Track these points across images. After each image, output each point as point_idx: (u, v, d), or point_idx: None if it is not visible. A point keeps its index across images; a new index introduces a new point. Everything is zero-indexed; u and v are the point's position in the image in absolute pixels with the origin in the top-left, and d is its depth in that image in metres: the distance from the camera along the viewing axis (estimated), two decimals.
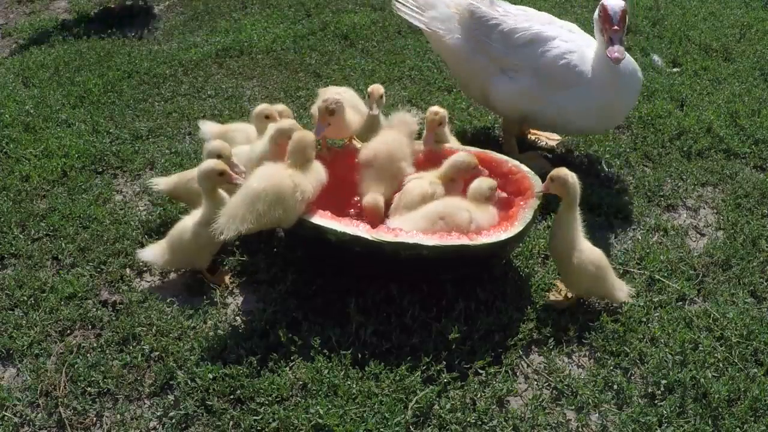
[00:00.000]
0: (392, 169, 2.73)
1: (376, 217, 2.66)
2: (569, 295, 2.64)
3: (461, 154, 2.78)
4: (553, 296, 2.67)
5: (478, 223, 2.53)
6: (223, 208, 2.46)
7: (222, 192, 2.67)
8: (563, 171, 2.55)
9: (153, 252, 2.70)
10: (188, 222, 2.70)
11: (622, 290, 2.58)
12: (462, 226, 2.50)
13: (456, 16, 3.26)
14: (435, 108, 2.93)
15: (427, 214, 2.55)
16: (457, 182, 2.73)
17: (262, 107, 2.98)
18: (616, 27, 2.95)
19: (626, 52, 2.95)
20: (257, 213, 2.39)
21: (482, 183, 2.64)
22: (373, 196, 2.68)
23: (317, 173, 2.62)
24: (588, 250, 2.54)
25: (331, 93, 2.90)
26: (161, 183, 3.00)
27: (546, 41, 3.13)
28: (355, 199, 2.83)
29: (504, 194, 2.78)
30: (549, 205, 2.92)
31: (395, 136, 2.82)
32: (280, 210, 2.43)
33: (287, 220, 2.48)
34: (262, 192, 2.42)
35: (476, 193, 2.62)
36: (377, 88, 2.94)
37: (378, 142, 2.80)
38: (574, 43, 3.14)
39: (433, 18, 3.31)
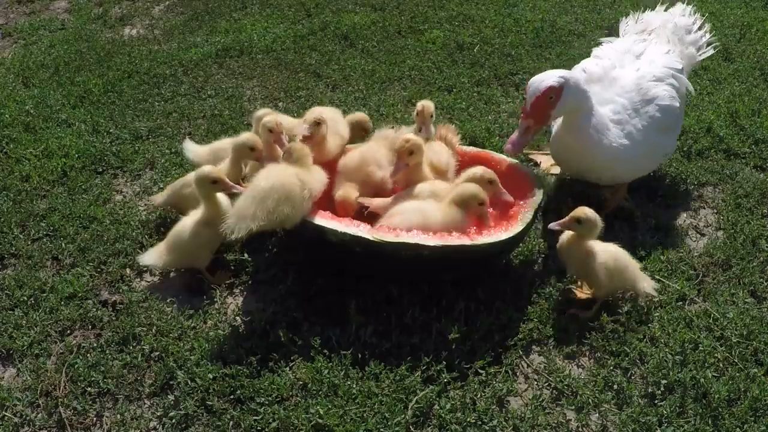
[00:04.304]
0: (361, 175, 2.75)
1: (349, 211, 2.66)
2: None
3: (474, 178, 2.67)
4: (579, 293, 2.66)
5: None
6: (232, 208, 2.46)
7: (220, 196, 2.68)
8: (590, 213, 2.50)
9: (152, 255, 2.70)
10: (188, 222, 2.70)
11: (645, 281, 2.58)
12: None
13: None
14: (407, 135, 2.77)
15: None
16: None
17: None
18: (523, 114, 2.69)
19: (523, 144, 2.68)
20: (267, 210, 2.39)
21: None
22: (345, 190, 2.69)
23: (319, 173, 2.65)
24: (602, 252, 2.53)
25: (316, 113, 2.93)
26: (157, 198, 3.03)
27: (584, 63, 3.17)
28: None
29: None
30: (549, 206, 2.93)
31: (372, 145, 2.87)
32: (288, 207, 2.44)
33: (294, 218, 2.48)
34: (270, 189, 2.43)
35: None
36: (427, 107, 2.96)
37: (354, 151, 2.86)
38: (589, 71, 3.07)
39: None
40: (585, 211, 2.51)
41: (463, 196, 2.56)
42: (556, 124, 2.99)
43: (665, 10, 3.41)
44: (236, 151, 2.87)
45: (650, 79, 2.94)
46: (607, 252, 2.54)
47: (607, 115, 2.87)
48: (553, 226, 2.56)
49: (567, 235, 2.59)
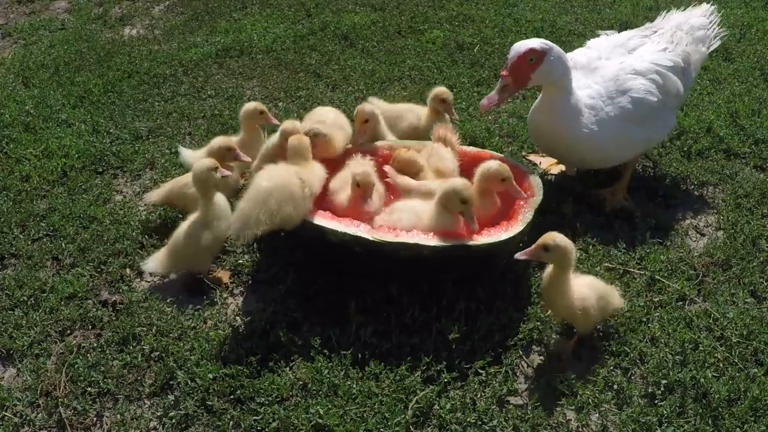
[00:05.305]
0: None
1: (369, 189, 2.62)
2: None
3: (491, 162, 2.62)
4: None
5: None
6: (234, 213, 2.46)
7: (218, 193, 2.68)
8: (559, 239, 2.26)
9: (154, 262, 2.70)
10: (186, 226, 2.70)
11: (617, 297, 2.46)
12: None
13: None
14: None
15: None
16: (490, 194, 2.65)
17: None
18: (503, 72, 2.78)
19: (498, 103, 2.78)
20: (270, 212, 2.39)
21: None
22: (364, 170, 2.66)
23: (318, 170, 2.66)
24: (580, 290, 2.34)
25: (317, 115, 2.93)
26: (153, 195, 3.02)
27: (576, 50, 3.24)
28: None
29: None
30: (549, 206, 2.92)
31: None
32: (291, 207, 2.44)
33: (297, 217, 2.48)
34: (273, 189, 2.43)
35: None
36: (360, 112, 2.97)
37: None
38: (575, 59, 3.11)
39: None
40: (553, 237, 2.26)
41: (444, 195, 2.45)
42: (537, 100, 3.05)
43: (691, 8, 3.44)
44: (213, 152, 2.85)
45: (629, 72, 3.00)
46: (588, 289, 2.36)
47: (583, 99, 2.93)
48: (518, 256, 2.31)
49: (547, 275, 2.34)
